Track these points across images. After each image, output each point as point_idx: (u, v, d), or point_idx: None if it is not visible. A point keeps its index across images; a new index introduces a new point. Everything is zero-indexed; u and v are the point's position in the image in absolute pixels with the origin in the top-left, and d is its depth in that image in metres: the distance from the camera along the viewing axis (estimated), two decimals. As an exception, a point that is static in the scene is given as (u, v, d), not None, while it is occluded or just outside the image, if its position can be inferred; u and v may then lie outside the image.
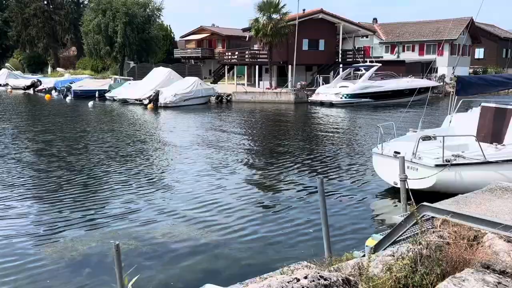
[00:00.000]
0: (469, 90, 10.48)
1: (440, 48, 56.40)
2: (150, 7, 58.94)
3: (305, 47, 43.75)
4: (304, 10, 44.49)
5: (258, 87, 41.50)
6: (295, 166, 13.62)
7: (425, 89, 40.27)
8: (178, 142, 18.06)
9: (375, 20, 65.59)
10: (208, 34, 65.28)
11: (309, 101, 34.97)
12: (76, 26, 65.81)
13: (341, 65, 42.61)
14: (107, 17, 52.03)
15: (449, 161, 9.08)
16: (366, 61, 42.00)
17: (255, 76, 44.72)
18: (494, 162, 9.19)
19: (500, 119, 10.80)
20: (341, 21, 43.99)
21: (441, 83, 44.50)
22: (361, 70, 35.91)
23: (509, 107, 10.80)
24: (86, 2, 71.36)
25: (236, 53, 47.34)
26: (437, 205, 4.88)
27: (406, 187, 7.91)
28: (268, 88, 38.69)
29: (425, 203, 4.81)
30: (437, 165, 9.06)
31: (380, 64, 36.38)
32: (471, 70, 59.72)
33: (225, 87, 40.89)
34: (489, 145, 10.58)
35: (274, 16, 37.26)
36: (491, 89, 11.72)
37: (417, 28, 59.97)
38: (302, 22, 41.66)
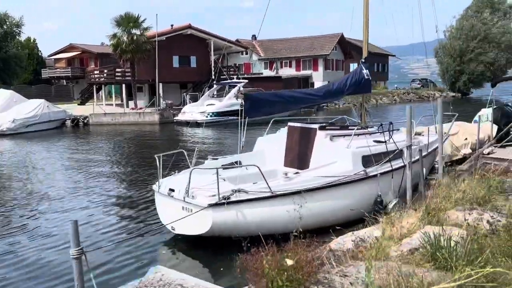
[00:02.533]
0: (263, 109, 8.93)
1: (315, 64, 58.21)
2: (7, 23, 53.02)
3: (175, 64, 41.76)
4: (172, 25, 42.52)
5: (128, 107, 38.45)
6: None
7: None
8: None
9: (253, 36, 65.81)
10: (78, 52, 60.41)
11: (175, 120, 32.78)
12: None
13: (214, 82, 41.25)
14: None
15: (227, 198, 7.30)
16: (238, 78, 40.97)
17: (128, 96, 41.48)
18: (281, 195, 7.61)
19: (306, 140, 9.45)
20: (211, 37, 42.75)
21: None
22: (230, 87, 34.71)
23: (313, 126, 9.50)
24: None
25: (105, 71, 43.81)
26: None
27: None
28: (133, 109, 35.83)
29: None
30: (211, 205, 7.22)
31: (247, 81, 35.47)
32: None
33: (91, 108, 37.12)
34: (295, 171, 9.15)
35: (134, 31, 34.65)
36: (291, 106, 10.41)
37: (293, 44, 61.21)
38: (171, 38, 39.67)
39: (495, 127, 16.82)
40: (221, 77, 44.80)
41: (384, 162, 8.87)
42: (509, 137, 15.21)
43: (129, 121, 32.50)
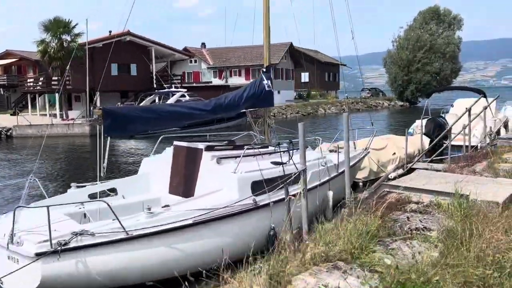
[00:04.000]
0: (130, 127, 7.38)
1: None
2: None
3: (114, 71, 39.56)
4: (110, 32, 40.41)
5: (62, 118, 35.93)
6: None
7: (242, 114, 39.34)
8: None
9: (203, 44, 64.36)
10: (16, 59, 56.75)
11: (107, 133, 30.60)
12: None
13: (156, 91, 39.36)
14: None
15: (62, 244, 5.68)
16: (177, 87, 39.25)
17: (65, 105, 38.77)
18: (139, 236, 6.08)
19: (192, 162, 8.00)
20: (152, 44, 40.92)
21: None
22: (169, 96, 33.01)
23: (200, 146, 8.06)
24: None
25: (41, 79, 41.00)
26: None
27: None
28: (64, 120, 33.43)
29: None
30: (39, 254, 5.59)
31: (185, 90, 33.93)
32: (295, 94, 61.87)
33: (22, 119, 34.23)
34: (181, 199, 7.69)
35: (64, 36, 32.37)
36: (171, 123, 8.90)
37: (242, 52, 60.09)
38: (109, 45, 37.52)
39: (427, 140, 16.03)
40: (165, 85, 42.97)
41: (281, 188, 7.54)
42: (440, 150, 14.42)
43: (57, 133, 30.07)
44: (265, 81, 8.77)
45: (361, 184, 12.82)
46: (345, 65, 78.81)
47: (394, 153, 14.23)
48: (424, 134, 17.26)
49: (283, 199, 7.50)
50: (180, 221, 6.37)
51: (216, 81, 59.05)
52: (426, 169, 10.78)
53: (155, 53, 42.02)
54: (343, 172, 9.75)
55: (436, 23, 62.75)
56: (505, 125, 20.60)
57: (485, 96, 17.63)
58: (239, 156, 7.73)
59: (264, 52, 9.05)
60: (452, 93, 49.31)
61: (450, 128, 16.16)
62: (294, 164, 8.00)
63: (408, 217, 5.33)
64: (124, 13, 8.57)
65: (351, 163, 10.12)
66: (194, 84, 54.82)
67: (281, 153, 8.10)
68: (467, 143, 14.75)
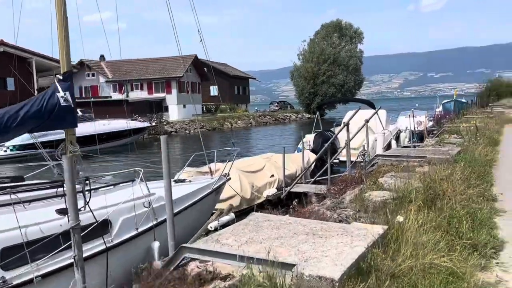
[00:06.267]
0: None
1: (169, 86, 54.50)
2: None
3: (-14, 86, 34.64)
4: (-18, 41, 35.32)
5: None
6: None
7: (137, 131, 36.10)
8: None
9: (102, 57, 59.98)
10: None
11: (-33, 157, 26.03)
12: None
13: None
14: None
15: None
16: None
17: None
18: None
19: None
20: (32, 55, 36.45)
21: (155, 123, 40.92)
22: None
23: None
24: None
25: None
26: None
27: None
28: None
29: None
30: None
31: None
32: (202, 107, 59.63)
33: None
34: None
35: None
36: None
37: (144, 65, 56.80)
38: (-21, 56, 32.73)
39: (314, 156, 14.42)
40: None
41: (60, 251, 5.08)
42: (323, 168, 12.79)
43: None
44: (60, 93, 6.26)
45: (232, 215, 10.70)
46: (254, 78, 78.51)
47: (273, 175, 12.35)
48: (313, 149, 15.75)
49: (64, 267, 5.07)
50: None
51: (116, 96, 55.04)
52: (277, 199, 8.85)
53: (38, 65, 37.56)
54: (186, 208, 7.53)
55: (338, 36, 64.09)
56: (397, 137, 19.89)
57: (374, 108, 16.62)
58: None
59: (60, 52, 6.53)
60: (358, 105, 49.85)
61: (333, 144, 14.74)
62: (91, 211, 5.60)
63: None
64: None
65: (199, 196, 7.94)
66: (93, 99, 50.52)
67: (84, 193, 5.66)
68: (355, 159, 13.39)
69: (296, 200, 10.57)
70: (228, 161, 8.98)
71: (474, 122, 15.01)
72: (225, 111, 62.17)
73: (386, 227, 4.57)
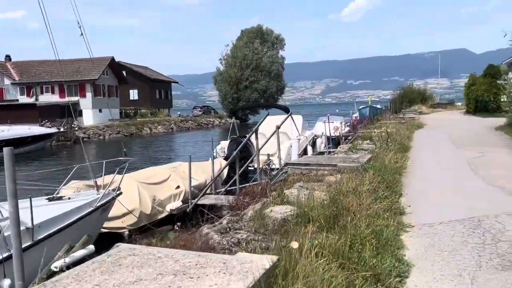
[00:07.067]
0: None
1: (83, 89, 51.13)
2: None
3: None
4: None
5: None
6: None
7: (41, 138, 33.11)
8: None
9: (8, 57, 55.10)
10: None
11: None
12: None
13: None
14: None
15: None
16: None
17: None
18: None
19: None
20: None
21: (65, 129, 38.08)
22: None
23: None
24: None
25: None
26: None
27: None
28: None
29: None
30: None
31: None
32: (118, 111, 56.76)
33: None
34: None
35: None
36: None
37: (56, 67, 52.88)
38: None
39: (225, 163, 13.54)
40: None
41: None
42: (234, 178, 11.95)
43: None
44: None
45: (126, 234, 9.51)
46: (176, 82, 76.59)
47: (179, 186, 11.30)
48: (227, 156, 14.91)
49: None
50: None
51: (24, 99, 50.77)
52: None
53: None
54: (57, 232, 6.28)
55: (260, 42, 64.33)
56: (314, 143, 19.66)
57: (290, 114, 16.14)
58: None
59: None
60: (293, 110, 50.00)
61: (249, 151, 14.06)
62: None
63: None
64: None
65: (77, 216, 6.72)
66: (-3, 103, 46.12)
67: None
68: (274, 165, 12.73)
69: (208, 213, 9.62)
70: (117, 173, 7.82)
71: (385, 128, 15.03)
72: (145, 115, 59.73)
73: (275, 258, 3.75)
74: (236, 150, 10.58)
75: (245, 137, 17.05)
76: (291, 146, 16.29)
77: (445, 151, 13.48)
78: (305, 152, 17.74)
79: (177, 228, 9.04)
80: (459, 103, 50.50)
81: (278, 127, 10.92)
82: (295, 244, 4.15)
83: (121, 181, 8.04)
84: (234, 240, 4.85)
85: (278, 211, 6.12)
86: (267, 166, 8.75)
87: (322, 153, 17.68)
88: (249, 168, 13.92)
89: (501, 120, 20.58)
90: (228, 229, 5.35)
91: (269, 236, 5.16)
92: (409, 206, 6.62)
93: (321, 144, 20.07)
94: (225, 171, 13.37)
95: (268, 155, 10.43)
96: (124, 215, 9.34)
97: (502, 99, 25.41)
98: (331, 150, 16.71)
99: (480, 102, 30.62)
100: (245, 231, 5.27)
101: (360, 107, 32.81)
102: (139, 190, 10.08)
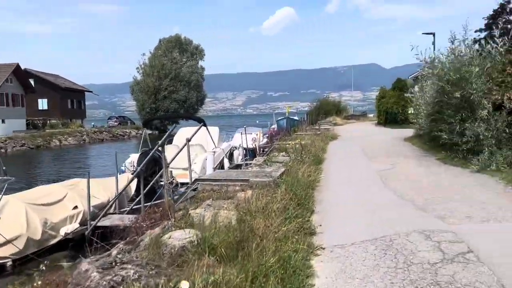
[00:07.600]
0: None
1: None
2: None
3: None
4: None
5: None
6: None
7: None
8: None
9: None
10: None
11: None
12: None
13: None
14: None
15: None
16: None
17: None
18: None
19: None
20: None
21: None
22: None
23: None
24: None
25: None
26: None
27: None
28: None
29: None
30: None
31: None
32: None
33: None
34: None
35: None
36: None
37: (-50, 73, 47.65)
38: None
39: (134, 180, 12.50)
40: None
41: None
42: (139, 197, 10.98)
43: None
44: None
45: (9, 265, 8.22)
46: (90, 91, 72.71)
47: (76, 207, 10.13)
48: (135, 172, 13.85)
49: None
50: None
51: None
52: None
53: None
54: None
55: (179, 52, 63.20)
56: (230, 155, 19.15)
57: (205, 125, 15.47)
58: None
59: None
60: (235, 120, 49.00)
61: (160, 164, 13.13)
62: None
63: None
64: None
65: None
66: None
67: None
68: (184, 180, 12.05)
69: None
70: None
71: (299, 140, 14.90)
72: (56, 126, 55.71)
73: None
74: (141, 165, 9.68)
75: (158, 150, 16.12)
76: (206, 159, 15.61)
77: (358, 162, 13.59)
78: (221, 164, 17.15)
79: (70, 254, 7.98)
80: (371, 115, 53.08)
81: (188, 140, 10.19)
82: (185, 285, 3.49)
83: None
84: (118, 278, 4.06)
85: (177, 237, 5.39)
86: (170, 183, 7.99)
87: (239, 165, 17.19)
88: (161, 183, 13.03)
89: (409, 131, 21.52)
90: (114, 263, 4.53)
91: (164, 270, 4.45)
92: (320, 225, 6.23)
93: (238, 156, 19.61)
94: (133, 187, 12.38)
95: (171, 173, 9.65)
96: (5, 243, 8.07)
97: (409, 111, 26.76)
98: (248, 162, 16.27)
99: (390, 114, 32.09)
100: (134, 264, 4.48)
101: (278, 118, 33.00)
102: (27, 213, 8.83)
